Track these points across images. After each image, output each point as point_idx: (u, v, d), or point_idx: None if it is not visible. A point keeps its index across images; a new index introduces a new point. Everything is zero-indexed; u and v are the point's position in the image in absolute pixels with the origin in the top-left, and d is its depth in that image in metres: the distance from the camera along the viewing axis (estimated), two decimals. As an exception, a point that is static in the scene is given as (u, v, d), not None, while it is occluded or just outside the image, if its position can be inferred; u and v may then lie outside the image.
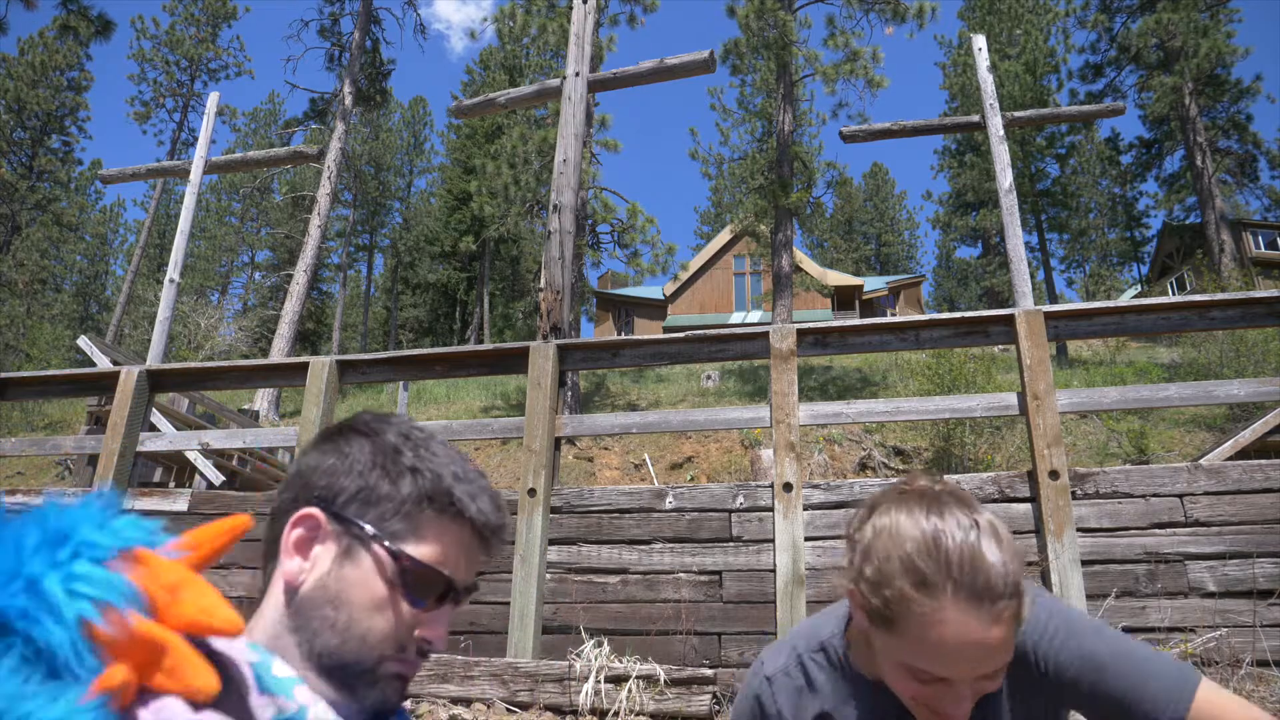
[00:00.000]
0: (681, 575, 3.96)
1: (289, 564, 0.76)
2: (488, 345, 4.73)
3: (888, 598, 0.89)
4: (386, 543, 0.76)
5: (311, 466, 0.81)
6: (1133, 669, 0.98)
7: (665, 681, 3.30)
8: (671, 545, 4.04)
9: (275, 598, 0.77)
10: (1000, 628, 0.85)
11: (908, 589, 0.87)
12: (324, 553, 0.77)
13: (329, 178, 19.44)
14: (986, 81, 5.46)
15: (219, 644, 0.67)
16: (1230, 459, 7.77)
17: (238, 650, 0.69)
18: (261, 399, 18.35)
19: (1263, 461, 3.67)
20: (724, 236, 29.11)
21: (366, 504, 0.77)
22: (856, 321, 4.31)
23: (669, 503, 4.13)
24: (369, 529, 0.76)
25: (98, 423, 10.03)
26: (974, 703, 0.92)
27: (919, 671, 0.91)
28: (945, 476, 1.01)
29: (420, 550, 0.77)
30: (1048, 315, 4.01)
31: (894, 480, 1.06)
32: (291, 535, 0.77)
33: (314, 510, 0.77)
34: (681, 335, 4.41)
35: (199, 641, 0.62)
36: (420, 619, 0.78)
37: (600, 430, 4.62)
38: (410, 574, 0.76)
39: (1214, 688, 0.96)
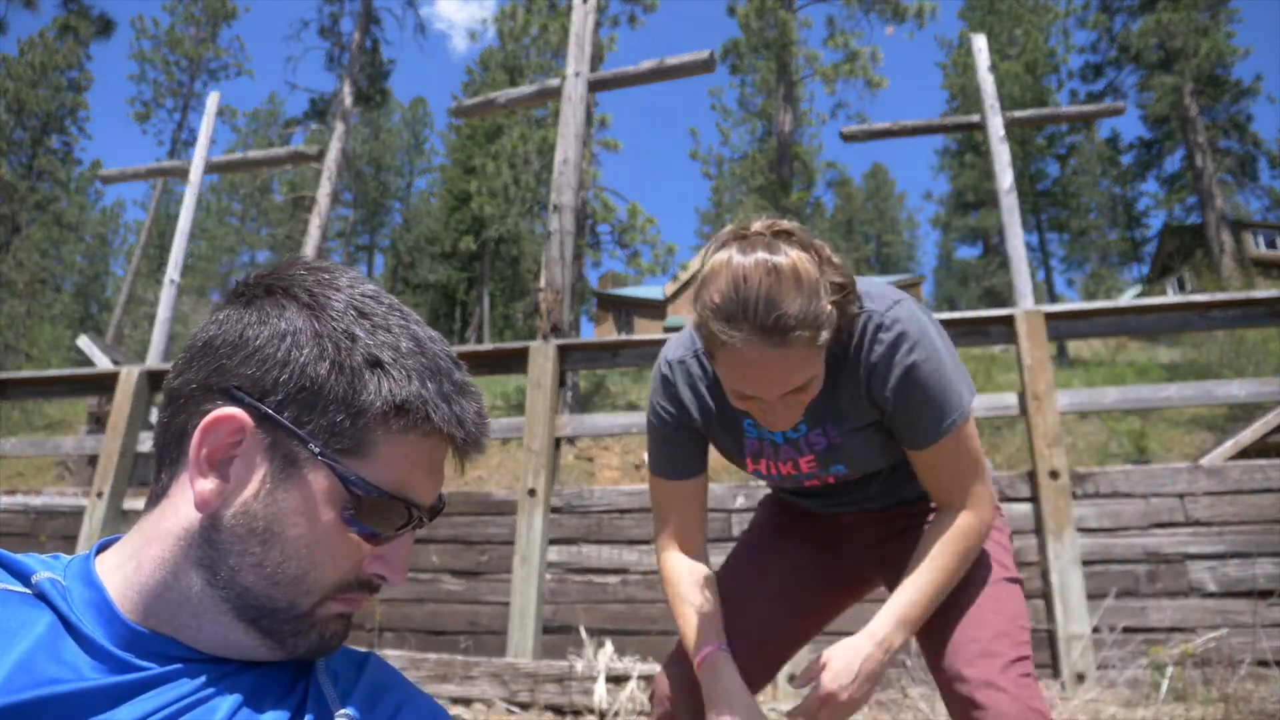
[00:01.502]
0: (681, 575, 3.96)
1: (201, 484, 0.57)
2: (488, 345, 4.73)
3: (706, 334, 1.05)
4: (337, 463, 0.58)
5: (230, 340, 0.59)
6: (919, 411, 1.15)
7: (665, 681, 3.29)
8: (671, 545, 4.04)
9: (176, 521, 0.59)
10: (790, 355, 1.01)
11: (716, 326, 1.02)
12: (249, 470, 0.58)
13: (329, 178, 19.45)
14: (986, 81, 5.46)
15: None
16: (1230, 459, 7.77)
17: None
18: (261, 399, 18.37)
19: (1263, 461, 3.67)
20: (724, 236, 29.08)
21: (309, 407, 0.57)
22: (856, 321, 4.30)
23: (669, 503, 4.13)
24: (314, 445, 0.57)
25: (98, 423, 10.03)
26: (794, 412, 1.10)
27: (734, 391, 1.09)
28: (786, 221, 1.11)
29: (380, 472, 0.59)
30: (1048, 315, 4.01)
31: None
32: (204, 445, 0.57)
33: (236, 411, 0.57)
34: (681, 335, 4.41)
35: None
36: (372, 552, 0.62)
37: (600, 430, 4.62)
38: (368, 503, 0.59)
39: (954, 442, 1.17)
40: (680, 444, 1.31)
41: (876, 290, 1.16)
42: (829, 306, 1.03)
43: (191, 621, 0.58)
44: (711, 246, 1.11)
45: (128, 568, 0.59)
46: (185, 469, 0.59)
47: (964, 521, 1.20)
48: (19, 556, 0.59)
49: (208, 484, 0.57)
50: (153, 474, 0.63)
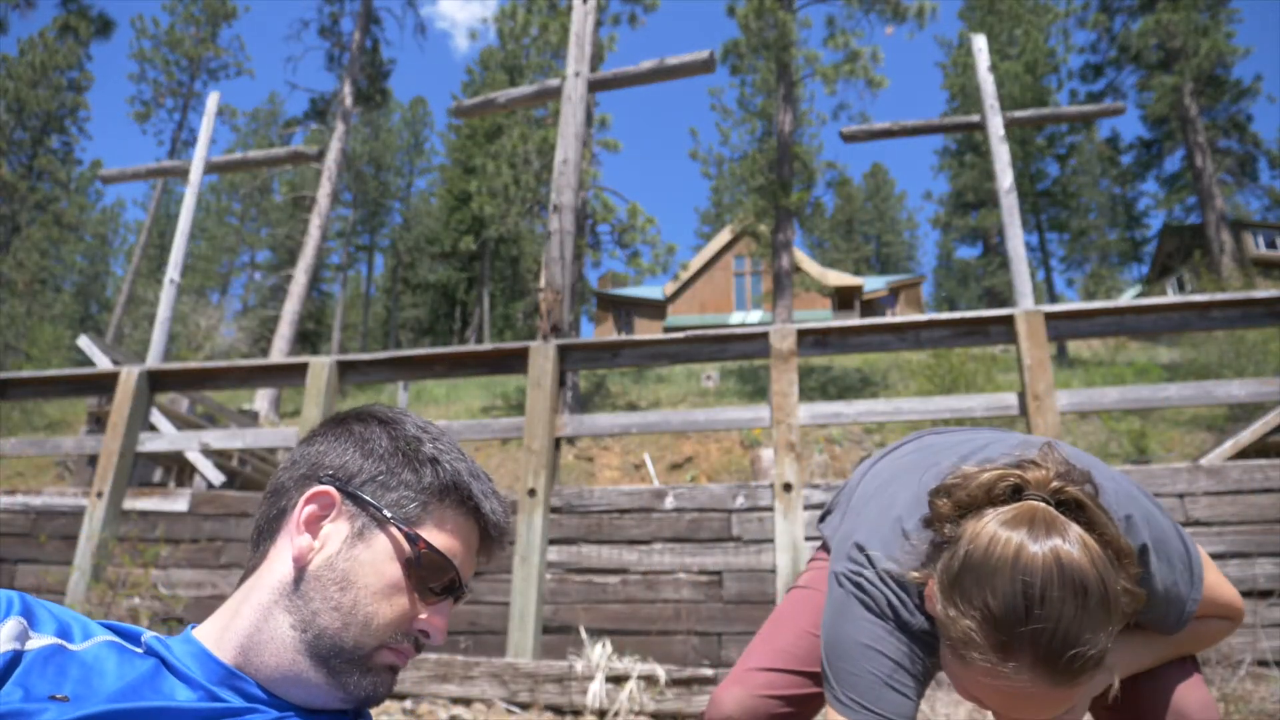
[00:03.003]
0: (681, 575, 3.96)
1: (299, 540, 0.74)
2: (488, 345, 4.73)
3: (963, 635, 0.83)
4: (403, 525, 0.75)
5: (323, 449, 0.79)
6: (1164, 609, 1.02)
7: (665, 682, 3.30)
8: (672, 545, 4.04)
9: (273, 576, 0.74)
10: (1073, 695, 0.82)
11: (983, 642, 0.81)
12: (335, 531, 0.75)
13: (329, 178, 19.44)
14: (986, 81, 5.46)
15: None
16: (1230, 459, 7.77)
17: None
18: (261, 399, 18.36)
19: (1263, 461, 3.67)
20: (724, 236, 29.09)
21: (385, 488, 0.76)
22: (856, 321, 4.31)
23: (669, 503, 4.13)
24: (387, 511, 0.75)
25: (98, 423, 10.03)
26: None
27: (974, 698, 0.89)
28: (1076, 462, 0.90)
29: (434, 538, 0.76)
30: (1048, 315, 4.01)
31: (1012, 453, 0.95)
32: (303, 511, 0.75)
33: (328, 488, 0.76)
34: (681, 335, 4.41)
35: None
36: (421, 610, 0.76)
37: (600, 430, 4.62)
38: (424, 560, 0.75)
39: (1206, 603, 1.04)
40: (913, 680, 1.01)
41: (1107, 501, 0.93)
42: (1122, 624, 0.82)
43: (272, 661, 0.71)
44: (978, 494, 0.88)
45: (226, 619, 0.74)
46: (283, 538, 0.76)
47: (1208, 625, 1.09)
48: (130, 626, 0.73)
49: (303, 541, 0.74)
50: (250, 553, 0.79)
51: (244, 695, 0.70)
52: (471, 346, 4.71)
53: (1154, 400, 3.95)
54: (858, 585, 1.03)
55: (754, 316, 28.13)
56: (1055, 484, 0.86)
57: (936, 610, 0.88)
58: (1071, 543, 0.80)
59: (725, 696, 1.23)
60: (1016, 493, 0.87)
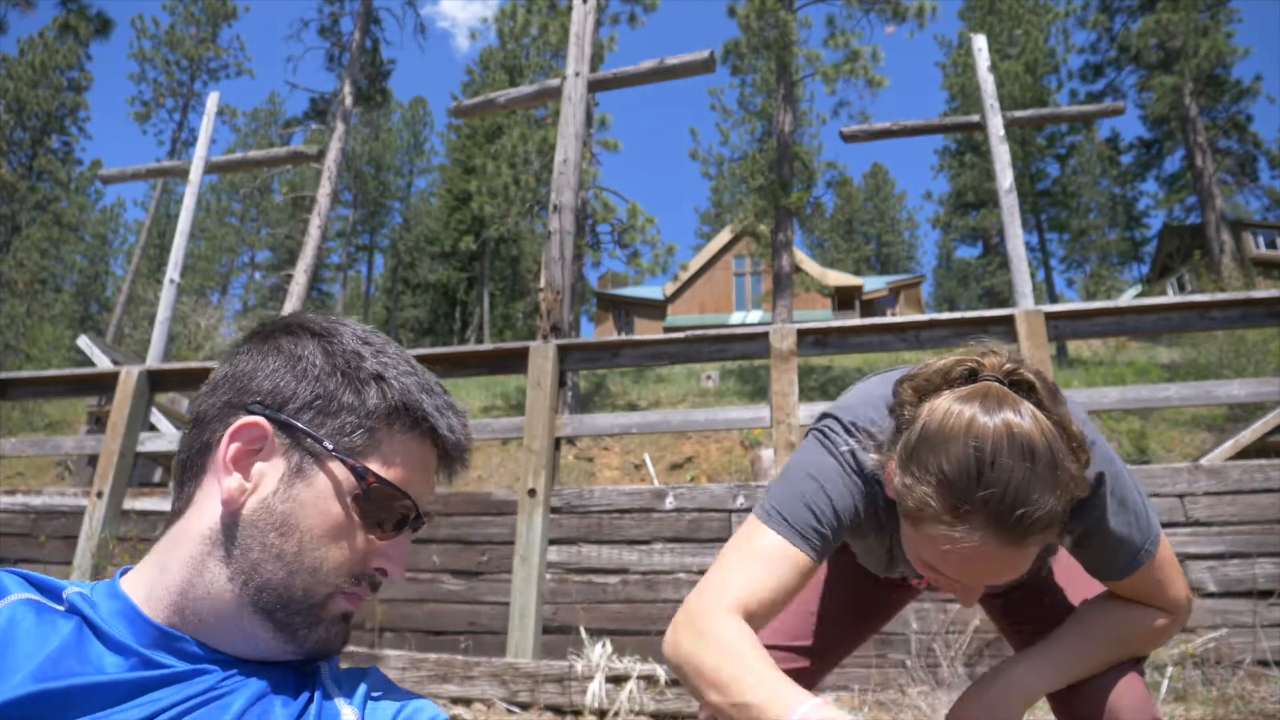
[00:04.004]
0: (681, 575, 3.96)
1: (228, 481, 0.64)
2: (488, 345, 4.73)
3: (919, 502, 0.87)
4: (348, 457, 0.65)
5: (249, 370, 0.68)
6: (1103, 557, 1.05)
7: (666, 682, 3.30)
8: (671, 545, 4.04)
9: (202, 522, 0.65)
10: (1023, 558, 0.86)
11: (938, 506, 0.85)
12: (270, 469, 0.65)
13: (329, 178, 19.44)
14: (986, 81, 5.46)
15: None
16: (1230, 459, 7.77)
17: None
18: (261, 399, 18.35)
19: (1263, 461, 3.67)
20: (724, 236, 29.10)
21: (323, 414, 0.66)
22: (856, 321, 4.31)
23: (669, 503, 4.13)
24: (327, 443, 0.65)
25: (98, 423, 10.02)
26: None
27: (927, 565, 0.92)
28: (1027, 367, 0.92)
29: (384, 468, 0.67)
30: (1048, 315, 4.01)
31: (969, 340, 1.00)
32: (229, 448, 0.64)
33: (257, 419, 0.65)
34: (681, 335, 4.41)
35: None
36: (376, 547, 0.68)
37: (600, 430, 4.62)
38: (374, 495, 0.66)
39: (1144, 574, 1.06)
40: (835, 529, 1.04)
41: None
42: (1069, 499, 0.86)
43: (211, 618, 0.63)
44: (936, 378, 0.92)
45: (153, 574, 0.65)
46: (209, 478, 0.66)
47: (1148, 613, 1.10)
48: (51, 578, 0.65)
49: (233, 482, 0.64)
50: (174, 493, 0.69)
51: (184, 656, 0.62)
52: (471, 346, 4.71)
53: (1154, 400, 3.94)
54: (821, 432, 1.08)
55: (754, 316, 28.13)
56: (1009, 366, 0.91)
57: (894, 484, 0.92)
58: (1022, 416, 0.84)
59: None
60: (972, 376, 0.91)
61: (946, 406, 0.87)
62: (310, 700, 0.65)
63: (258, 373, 0.67)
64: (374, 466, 0.66)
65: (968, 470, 0.82)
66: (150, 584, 0.64)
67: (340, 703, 0.66)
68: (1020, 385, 0.89)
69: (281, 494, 0.64)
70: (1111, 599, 1.13)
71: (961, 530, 0.84)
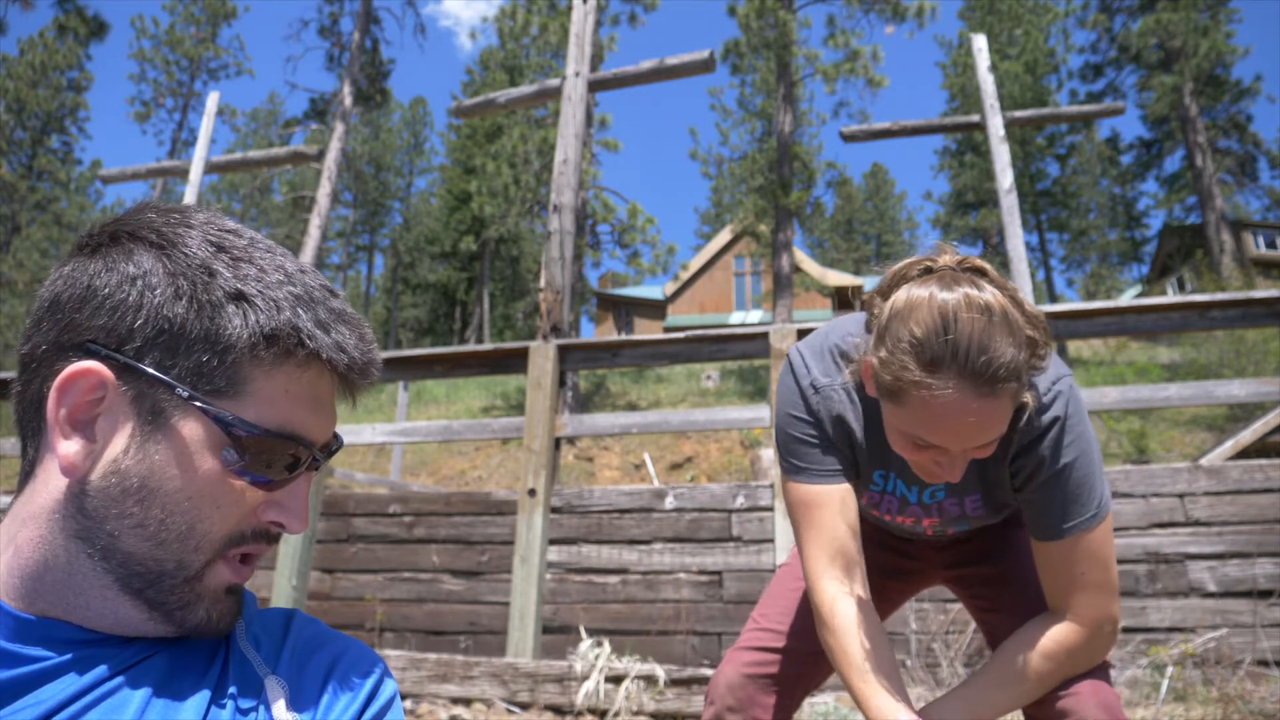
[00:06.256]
0: (681, 575, 3.96)
1: (65, 447, 0.52)
2: (488, 345, 4.73)
3: (897, 370, 0.95)
4: (210, 404, 0.53)
5: (78, 294, 0.54)
6: (1049, 507, 1.10)
7: (665, 682, 3.30)
8: (671, 545, 4.04)
9: (48, 494, 0.54)
10: (996, 407, 0.93)
11: (914, 367, 0.93)
12: (115, 426, 0.53)
13: (329, 178, 19.44)
14: (986, 81, 5.46)
15: None
16: (1230, 459, 7.77)
17: None
18: (261, 399, 18.37)
19: (1263, 461, 3.67)
20: (724, 236, 29.10)
21: (170, 350, 0.53)
22: (856, 321, 4.30)
23: (669, 503, 4.13)
24: (181, 390, 0.53)
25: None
26: (964, 468, 1.02)
27: (917, 438, 0.99)
28: (969, 253, 1.03)
29: (259, 411, 0.55)
30: (1048, 315, 4.00)
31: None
32: (61, 405, 0.52)
33: (92, 364, 0.52)
34: (681, 335, 4.42)
35: None
36: (266, 498, 0.57)
37: (600, 430, 4.62)
38: (248, 445, 0.54)
39: (1075, 544, 1.10)
40: (828, 446, 1.16)
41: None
42: (1027, 358, 0.93)
43: (78, 600, 0.54)
44: (896, 278, 1.01)
45: (6, 555, 0.55)
46: (47, 438, 0.54)
47: (1065, 636, 1.11)
48: None
49: (71, 446, 0.52)
50: (20, 453, 0.58)
51: (60, 644, 0.53)
52: (471, 346, 4.71)
53: (1154, 400, 3.95)
54: (789, 363, 1.21)
55: (754, 316, 28.13)
56: (960, 258, 1.00)
57: (873, 371, 1.00)
58: (978, 288, 0.94)
59: (718, 678, 1.31)
60: (928, 272, 1.00)
61: (909, 293, 0.97)
62: (225, 670, 0.57)
63: (87, 301, 0.53)
64: (246, 410, 0.54)
65: (934, 329, 0.91)
66: (5, 566, 0.54)
67: (259, 665, 0.58)
68: (974, 271, 0.99)
69: (134, 454, 0.53)
70: (1035, 629, 1.14)
71: (937, 383, 0.92)
